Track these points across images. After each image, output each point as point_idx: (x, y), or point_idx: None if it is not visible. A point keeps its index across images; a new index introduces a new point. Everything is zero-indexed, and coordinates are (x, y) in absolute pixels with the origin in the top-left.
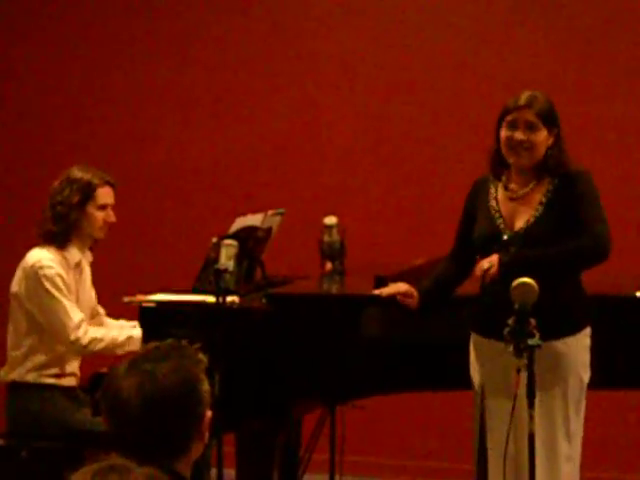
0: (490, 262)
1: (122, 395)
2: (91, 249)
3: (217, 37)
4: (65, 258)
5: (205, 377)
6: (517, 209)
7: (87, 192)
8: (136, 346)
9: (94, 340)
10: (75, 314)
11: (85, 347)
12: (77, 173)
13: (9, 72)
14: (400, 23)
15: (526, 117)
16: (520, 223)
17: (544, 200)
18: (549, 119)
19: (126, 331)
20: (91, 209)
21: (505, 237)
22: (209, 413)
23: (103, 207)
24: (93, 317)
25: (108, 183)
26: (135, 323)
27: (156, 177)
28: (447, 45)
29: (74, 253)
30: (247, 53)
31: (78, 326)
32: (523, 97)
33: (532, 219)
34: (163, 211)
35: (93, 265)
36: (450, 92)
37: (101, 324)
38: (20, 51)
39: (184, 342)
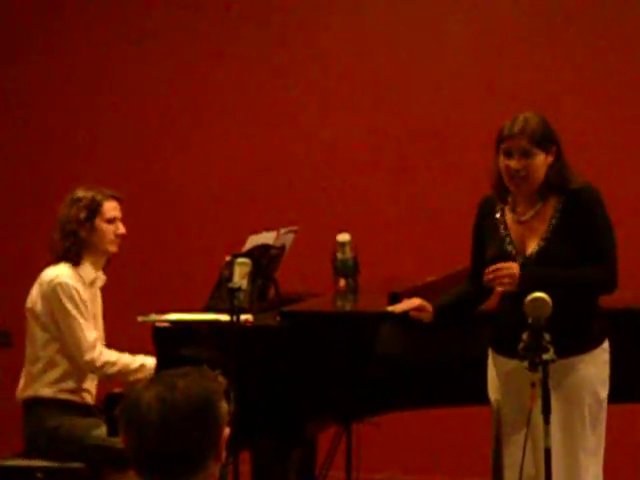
0: (511, 274)
1: (142, 405)
2: (104, 270)
3: (232, 56)
4: (80, 275)
5: (224, 397)
6: (527, 232)
7: (93, 207)
8: (147, 374)
9: (108, 363)
10: (90, 333)
11: (98, 369)
12: (81, 192)
13: (21, 92)
14: (414, 42)
15: (520, 145)
16: (532, 247)
17: (553, 221)
18: (544, 141)
19: (140, 358)
20: (100, 223)
21: (519, 262)
22: (227, 431)
23: (111, 220)
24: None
25: (113, 197)
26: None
27: (169, 196)
28: (461, 64)
29: (88, 271)
30: (261, 70)
31: (93, 346)
32: (515, 124)
33: (543, 243)
34: (176, 230)
35: (106, 285)
36: (463, 108)
37: None
38: (29, 72)
39: (205, 367)
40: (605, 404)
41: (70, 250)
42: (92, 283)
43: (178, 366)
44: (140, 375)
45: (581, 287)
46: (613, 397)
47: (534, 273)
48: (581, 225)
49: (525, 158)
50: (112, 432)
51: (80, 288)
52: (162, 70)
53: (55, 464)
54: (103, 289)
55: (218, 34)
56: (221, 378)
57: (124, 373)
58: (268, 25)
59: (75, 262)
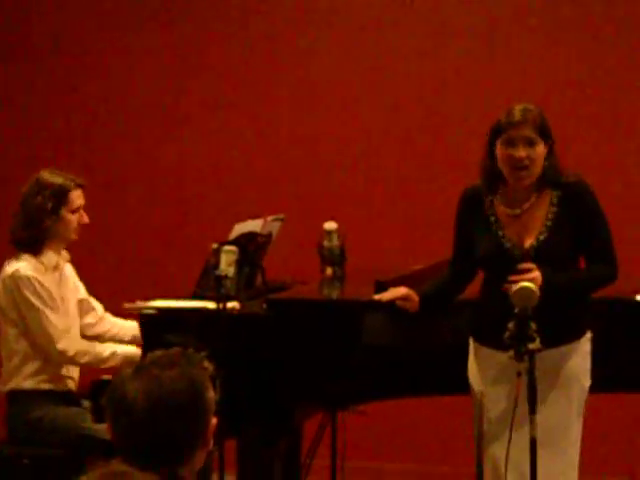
0: (534, 281)
1: (128, 398)
2: (81, 251)
3: (219, 48)
4: (42, 263)
5: (210, 385)
6: (522, 225)
7: (60, 197)
8: (117, 361)
9: (79, 352)
10: (58, 322)
11: (70, 358)
12: (48, 177)
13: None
14: (398, 36)
15: (524, 133)
16: (530, 240)
17: (550, 215)
18: (545, 131)
19: (111, 346)
20: (65, 213)
21: (517, 255)
22: (214, 421)
23: (76, 210)
24: (86, 313)
25: (79, 185)
26: (134, 325)
27: (155, 183)
28: (447, 56)
29: (50, 256)
30: (247, 61)
31: (62, 335)
32: (517, 113)
33: (541, 236)
34: (162, 217)
35: (91, 273)
36: (449, 100)
37: (101, 320)
38: (23, 74)
39: (190, 350)
40: (586, 394)
41: (32, 239)
42: (56, 267)
43: None
44: (112, 363)
45: (595, 287)
46: (600, 386)
47: (554, 280)
48: (578, 219)
49: (529, 146)
50: (98, 419)
51: (41, 278)
52: (153, 60)
53: (42, 451)
54: (90, 278)
55: (208, 28)
56: (207, 362)
57: (96, 362)
58: (258, 19)
59: (36, 251)
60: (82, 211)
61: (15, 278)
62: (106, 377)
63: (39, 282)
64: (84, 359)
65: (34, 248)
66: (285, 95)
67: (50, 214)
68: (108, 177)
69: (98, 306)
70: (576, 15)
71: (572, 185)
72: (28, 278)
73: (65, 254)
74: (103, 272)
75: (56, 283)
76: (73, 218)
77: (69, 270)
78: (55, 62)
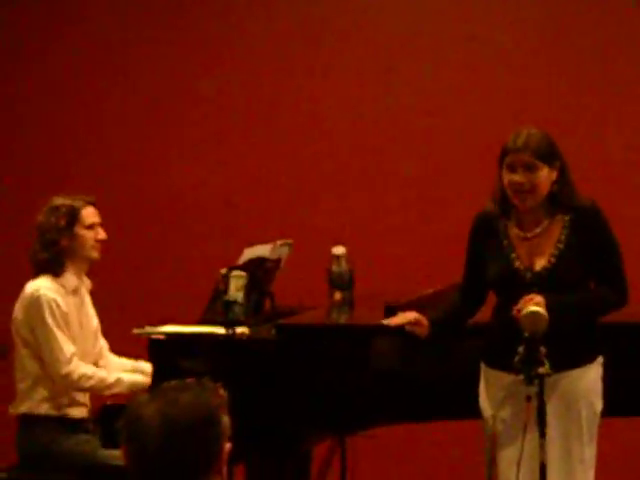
0: (537, 304)
1: (144, 419)
2: (88, 276)
3: (224, 68)
4: (62, 285)
5: (225, 410)
6: (534, 248)
7: (72, 215)
8: (123, 388)
9: (84, 376)
10: (67, 347)
11: (75, 382)
12: (58, 200)
13: (11, 98)
14: (409, 54)
15: (523, 159)
16: (541, 263)
17: (562, 238)
18: (547, 156)
19: (115, 373)
20: (79, 230)
21: (528, 277)
22: (228, 445)
23: (91, 226)
24: (96, 346)
25: (90, 203)
26: (136, 364)
27: (164, 208)
28: (455, 75)
29: (70, 279)
30: (253, 83)
31: (69, 360)
32: (518, 138)
33: (553, 259)
34: (171, 242)
35: (100, 297)
36: (459, 120)
37: (102, 357)
38: (23, 75)
39: (205, 379)
40: (598, 418)
41: (52, 260)
42: (75, 291)
43: (174, 378)
44: (116, 390)
45: (601, 311)
46: (608, 411)
47: (558, 303)
48: (591, 243)
49: (529, 172)
50: (106, 444)
51: (60, 299)
52: (160, 82)
53: (52, 476)
54: (98, 302)
55: (211, 52)
56: (222, 391)
57: (100, 387)
58: (266, 38)
59: (57, 273)
60: (98, 228)
61: (34, 297)
62: (111, 402)
63: (57, 303)
64: (89, 383)
65: (55, 270)
66: (292, 119)
67: (65, 232)
68: (114, 202)
69: (104, 344)
70: (576, 31)
71: (584, 210)
72: (47, 297)
73: (87, 282)
74: (110, 297)
75: (76, 307)
76: (88, 234)
77: (88, 300)
78: (67, 88)
